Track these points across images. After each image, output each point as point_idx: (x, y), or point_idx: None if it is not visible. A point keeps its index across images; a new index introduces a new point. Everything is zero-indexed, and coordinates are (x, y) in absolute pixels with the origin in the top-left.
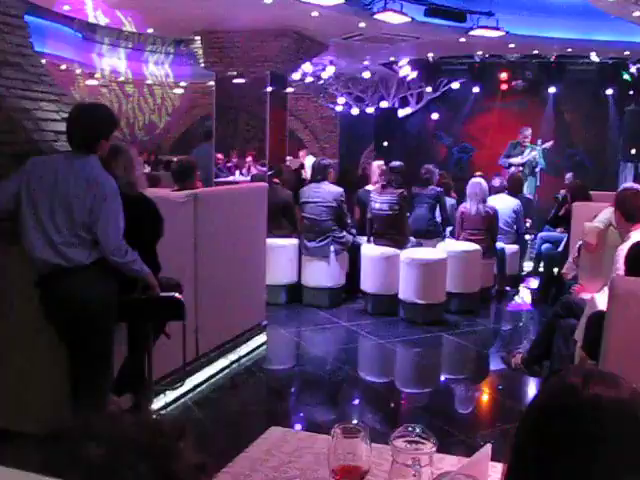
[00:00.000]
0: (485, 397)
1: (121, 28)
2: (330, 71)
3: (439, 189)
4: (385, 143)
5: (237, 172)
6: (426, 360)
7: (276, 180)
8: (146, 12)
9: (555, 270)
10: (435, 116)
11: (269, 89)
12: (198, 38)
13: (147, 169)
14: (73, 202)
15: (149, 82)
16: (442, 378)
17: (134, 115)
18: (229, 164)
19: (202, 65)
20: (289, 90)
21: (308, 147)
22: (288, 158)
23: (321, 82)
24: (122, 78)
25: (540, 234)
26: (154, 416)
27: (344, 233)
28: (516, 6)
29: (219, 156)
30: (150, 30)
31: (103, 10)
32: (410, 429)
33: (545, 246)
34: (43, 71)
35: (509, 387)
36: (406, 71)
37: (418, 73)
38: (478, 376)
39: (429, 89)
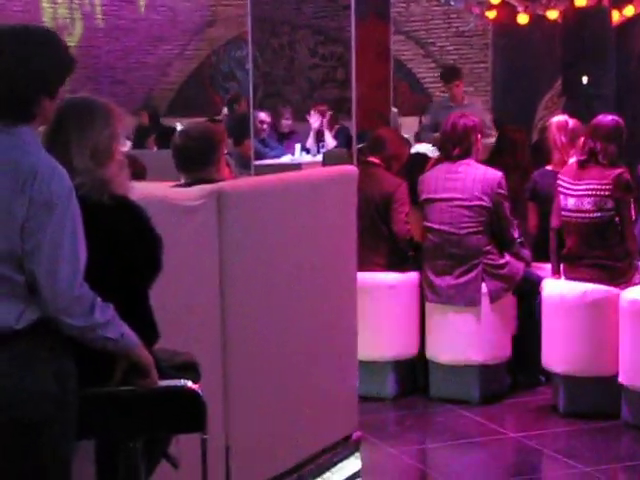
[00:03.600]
0: None
1: None
2: None
3: None
4: (584, 78)
5: (297, 146)
6: None
7: (374, 159)
8: None
9: None
10: None
11: None
12: None
13: (127, 145)
14: None
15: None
16: None
17: (95, 38)
18: (283, 130)
19: None
20: None
21: (432, 93)
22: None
23: None
24: None
25: None
26: None
27: (507, 258)
28: None
29: (262, 116)
30: None
31: None
32: None
33: None
34: None
35: None
36: None
37: None
38: None
39: None
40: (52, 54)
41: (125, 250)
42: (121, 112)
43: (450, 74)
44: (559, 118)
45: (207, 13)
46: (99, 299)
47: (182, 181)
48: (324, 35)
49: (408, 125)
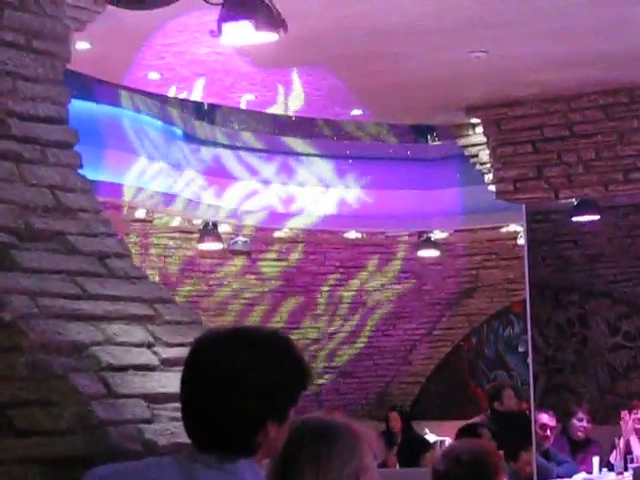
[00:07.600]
0: None
1: (284, 112)
2: None
3: None
4: None
5: (595, 460)
6: None
7: None
8: (355, 74)
9: None
10: None
11: None
12: (477, 122)
13: None
14: None
15: (352, 236)
16: None
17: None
18: (576, 438)
19: (492, 188)
20: None
21: None
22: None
23: None
24: (286, 230)
25: None
26: None
27: None
28: None
29: (544, 419)
30: (357, 112)
31: (242, 76)
32: None
33: None
34: (121, 249)
35: None
36: None
37: None
38: None
39: None
40: (285, 367)
41: None
42: (371, 435)
43: None
44: None
45: (465, 279)
46: None
47: None
48: (628, 305)
49: None
